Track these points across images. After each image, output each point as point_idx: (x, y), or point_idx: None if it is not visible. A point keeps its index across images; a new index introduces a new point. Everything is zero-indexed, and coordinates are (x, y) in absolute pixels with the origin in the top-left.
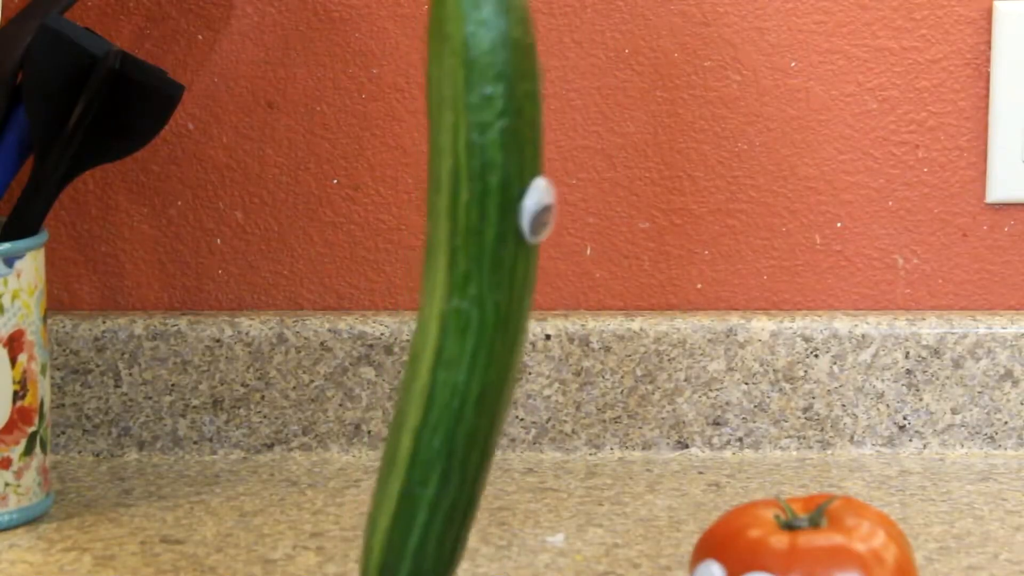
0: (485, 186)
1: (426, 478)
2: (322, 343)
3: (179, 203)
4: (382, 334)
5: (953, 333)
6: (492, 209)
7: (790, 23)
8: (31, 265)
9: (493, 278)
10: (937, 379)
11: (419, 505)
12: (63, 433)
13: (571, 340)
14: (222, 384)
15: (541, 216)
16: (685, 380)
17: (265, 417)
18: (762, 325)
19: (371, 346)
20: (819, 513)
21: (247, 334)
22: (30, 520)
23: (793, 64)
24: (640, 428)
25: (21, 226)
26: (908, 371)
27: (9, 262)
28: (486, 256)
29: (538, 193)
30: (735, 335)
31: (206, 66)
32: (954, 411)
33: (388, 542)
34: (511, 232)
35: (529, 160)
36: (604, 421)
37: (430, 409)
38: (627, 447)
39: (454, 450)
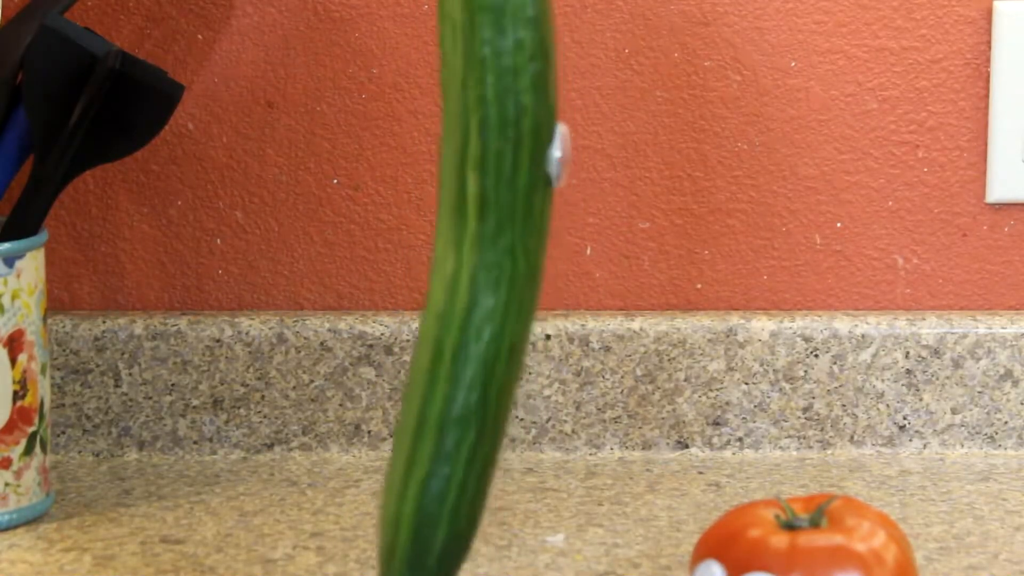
0: (518, 132)
1: (462, 436)
2: (322, 343)
3: (179, 203)
4: (382, 334)
5: (953, 333)
6: (525, 156)
7: (790, 23)
8: (31, 265)
9: (526, 227)
10: (937, 379)
11: (456, 464)
12: (63, 433)
13: (571, 340)
14: (222, 384)
15: (565, 162)
16: (685, 380)
17: (265, 417)
18: (762, 325)
19: (371, 346)
20: (819, 513)
21: (247, 334)
22: (30, 520)
23: (793, 64)
24: (640, 428)
25: (21, 226)
26: (908, 371)
27: (9, 262)
28: (519, 205)
29: (562, 138)
30: (735, 335)
31: (206, 66)
32: (954, 411)
33: (420, 507)
34: (541, 179)
35: (554, 104)
36: (604, 421)
37: (463, 366)
38: (627, 447)
39: (488, 405)
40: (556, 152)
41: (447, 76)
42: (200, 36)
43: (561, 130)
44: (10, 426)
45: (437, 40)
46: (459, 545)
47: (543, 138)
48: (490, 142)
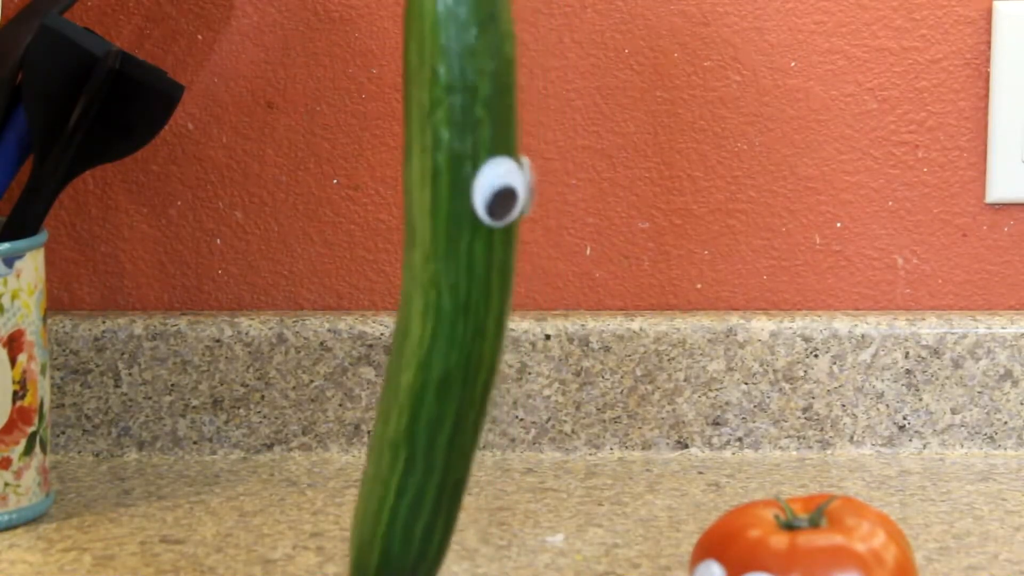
0: (435, 164)
1: (393, 461)
2: (322, 343)
3: (179, 203)
4: (382, 334)
5: (953, 333)
6: (442, 189)
7: (790, 23)
8: (31, 265)
9: (449, 262)
10: (937, 379)
11: (387, 488)
12: (63, 433)
13: (571, 340)
14: (222, 384)
15: (500, 198)
16: (685, 380)
17: (265, 417)
18: (762, 325)
19: (371, 346)
20: (819, 513)
21: (247, 334)
22: (30, 520)
23: (793, 64)
24: (640, 428)
25: (21, 226)
26: (908, 371)
27: (9, 262)
28: (440, 237)
29: (495, 174)
30: (735, 335)
31: (206, 66)
32: (954, 411)
33: (362, 527)
34: (465, 214)
35: (484, 140)
36: (604, 421)
37: (395, 391)
38: (627, 447)
39: (416, 433)
40: (484, 187)
41: (404, 79)
42: (200, 36)
43: (496, 165)
44: (10, 426)
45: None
46: (396, 569)
47: (463, 173)
48: (412, 172)
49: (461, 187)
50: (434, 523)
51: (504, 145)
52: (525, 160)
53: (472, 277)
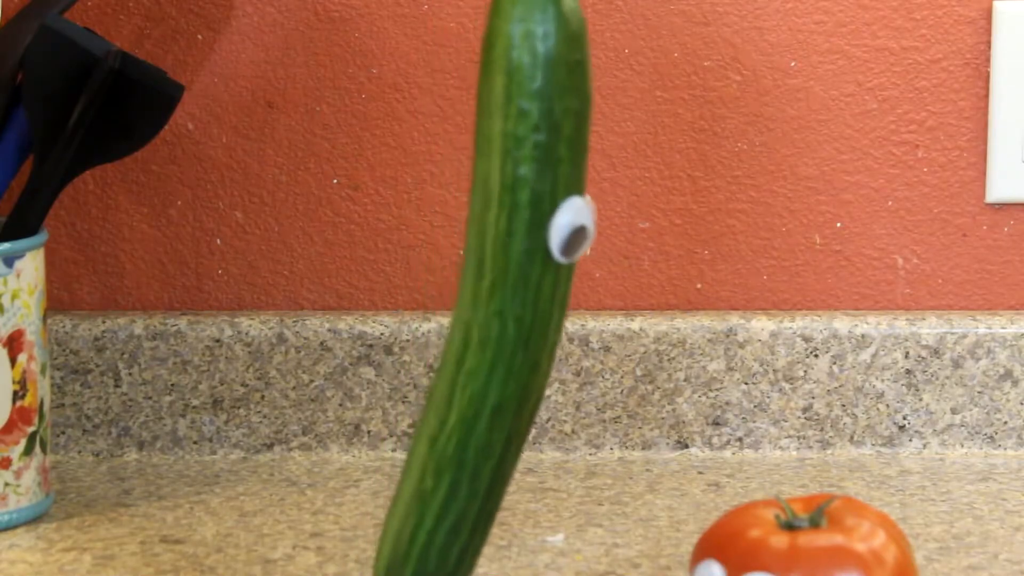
0: (515, 200)
1: (436, 484)
2: (322, 343)
3: (179, 203)
4: (382, 334)
5: (953, 333)
6: (520, 225)
7: (790, 23)
8: (31, 265)
9: (517, 294)
10: (937, 379)
11: (427, 510)
12: (63, 433)
13: (571, 340)
14: (222, 384)
15: (574, 237)
16: (685, 380)
17: (265, 417)
18: (762, 325)
19: (371, 346)
20: (819, 513)
21: (247, 334)
22: (30, 520)
23: (793, 64)
24: (640, 428)
25: (21, 226)
26: (908, 371)
27: (9, 262)
28: (511, 271)
29: (572, 213)
30: (735, 335)
31: (206, 66)
32: (954, 411)
33: (396, 543)
34: (539, 250)
35: (563, 178)
36: (604, 421)
37: (447, 416)
38: (627, 447)
39: (464, 460)
40: (561, 226)
41: (479, 110)
42: (200, 36)
43: (572, 204)
44: (10, 426)
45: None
46: None
47: (543, 210)
48: (491, 204)
49: (538, 224)
50: (468, 547)
51: (579, 184)
52: (588, 198)
53: (536, 311)
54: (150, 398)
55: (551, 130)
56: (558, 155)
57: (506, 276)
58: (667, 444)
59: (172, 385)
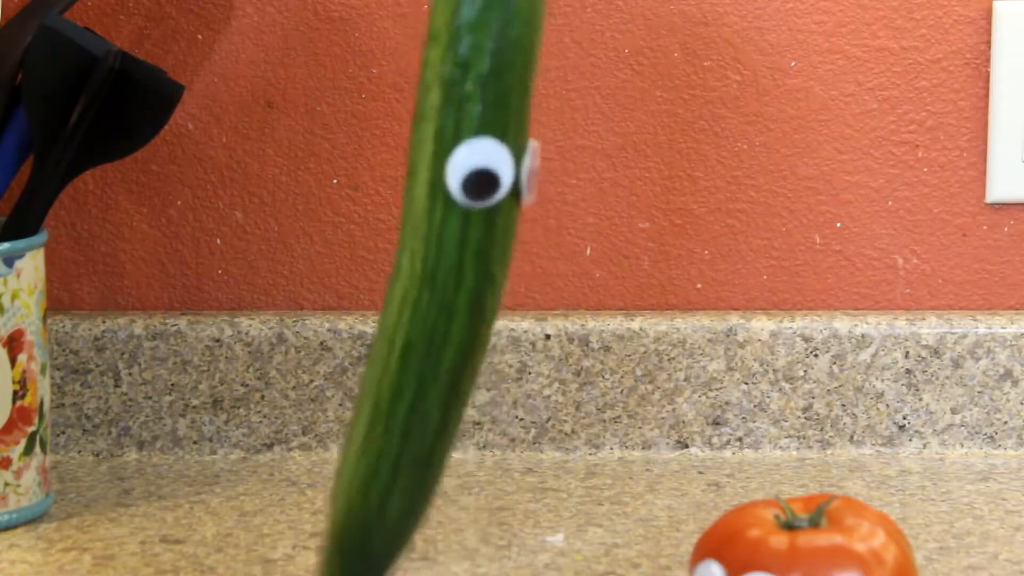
0: (420, 133)
1: (356, 420)
2: (322, 343)
3: (179, 203)
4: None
5: (953, 333)
6: (421, 159)
7: (790, 23)
8: (31, 265)
9: (417, 231)
10: (937, 379)
11: (351, 447)
12: (63, 433)
13: (571, 340)
14: (222, 384)
15: (477, 180)
16: (685, 380)
17: (265, 417)
18: (762, 325)
19: (371, 346)
20: (819, 513)
21: (247, 334)
22: (30, 520)
23: (793, 64)
24: (640, 428)
25: (21, 226)
26: (908, 371)
27: (9, 262)
28: (414, 204)
29: (477, 154)
30: (735, 335)
31: (206, 66)
32: (954, 411)
33: (335, 484)
34: (440, 187)
35: (469, 117)
36: (604, 421)
37: (371, 352)
38: (627, 447)
39: (380, 397)
40: (459, 166)
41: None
42: (200, 36)
43: (477, 145)
44: (10, 426)
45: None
46: (354, 526)
47: (443, 146)
48: (411, 132)
49: (439, 161)
50: (390, 490)
51: (495, 126)
52: (531, 146)
53: (441, 252)
54: (150, 398)
55: (459, 65)
56: (465, 92)
57: (408, 212)
58: (667, 444)
59: (172, 385)
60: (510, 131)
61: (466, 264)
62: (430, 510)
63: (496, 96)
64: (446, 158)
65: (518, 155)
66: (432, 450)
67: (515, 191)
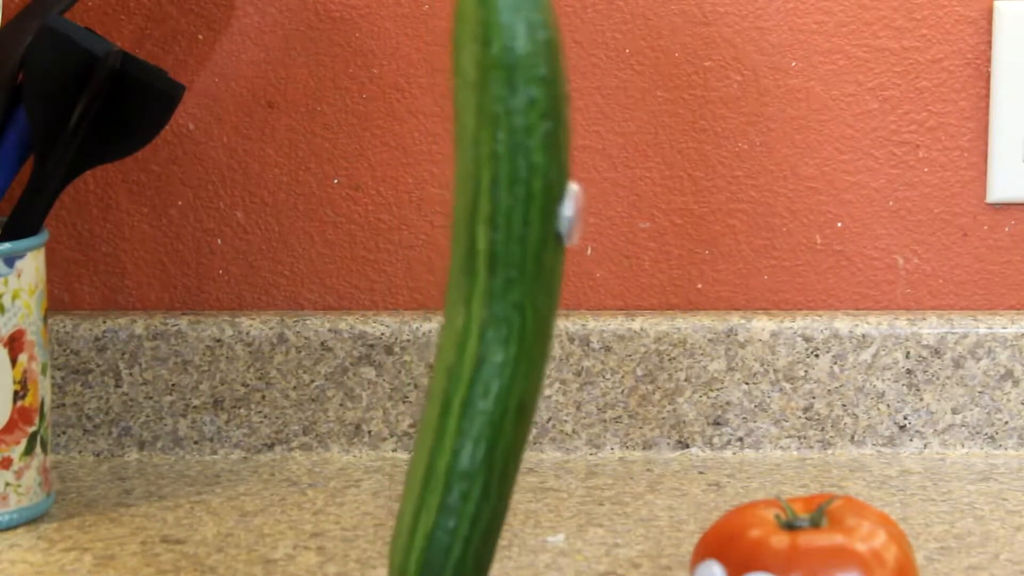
0: (529, 190)
1: (468, 491)
2: (322, 343)
3: (179, 203)
4: (382, 334)
5: (953, 333)
6: (535, 214)
7: (790, 23)
8: (32, 265)
9: (536, 283)
10: (937, 379)
11: (461, 519)
12: (63, 433)
13: (571, 340)
14: (222, 384)
15: (576, 220)
16: (685, 380)
17: (265, 417)
18: (762, 325)
19: (371, 346)
20: (820, 513)
21: (247, 334)
22: (30, 520)
23: (793, 64)
24: (640, 428)
25: (22, 226)
26: (908, 371)
27: (10, 262)
28: (528, 261)
29: (574, 197)
30: (735, 335)
31: (206, 66)
32: (954, 411)
33: (425, 560)
34: (551, 236)
35: (566, 163)
36: (604, 421)
37: (471, 420)
38: (627, 447)
39: (494, 463)
40: (567, 210)
41: (459, 131)
42: (200, 36)
43: (572, 189)
44: (10, 426)
45: (451, 96)
46: None
47: (554, 196)
48: (501, 199)
49: (550, 211)
50: (496, 544)
51: (569, 168)
52: (571, 190)
53: (551, 297)
54: (151, 398)
55: (555, 116)
56: (561, 140)
57: (524, 268)
58: (668, 444)
59: (173, 385)
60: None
61: (557, 303)
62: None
63: (570, 139)
64: (557, 208)
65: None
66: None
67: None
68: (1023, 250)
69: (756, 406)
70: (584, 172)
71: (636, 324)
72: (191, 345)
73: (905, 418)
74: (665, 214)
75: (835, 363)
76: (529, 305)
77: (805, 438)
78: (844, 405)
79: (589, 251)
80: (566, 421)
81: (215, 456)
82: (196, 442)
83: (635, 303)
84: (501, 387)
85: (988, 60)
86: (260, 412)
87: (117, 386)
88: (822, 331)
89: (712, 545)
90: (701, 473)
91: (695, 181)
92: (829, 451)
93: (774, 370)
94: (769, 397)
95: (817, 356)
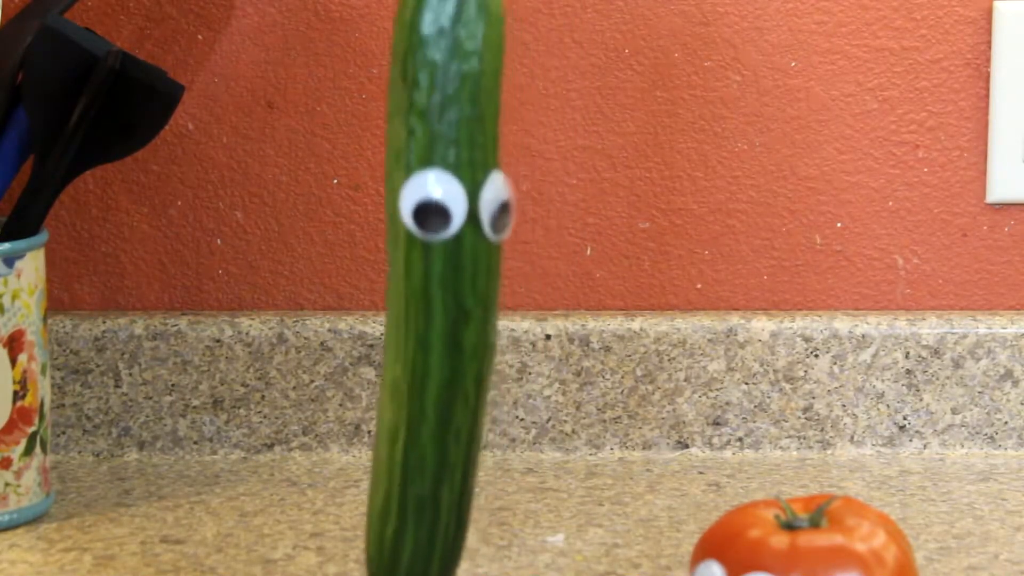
0: (388, 161)
1: (376, 464)
2: (322, 343)
3: (179, 203)
4: (382, 334)
5: (953, 333)
6: (391, 187)
7: (790, 23)
8: (31, 265)
9: (392, 270)
10: (937, 379)
11: (370, 491)
12: (63, 433)
13: (571, 340)
14: (222, 384)
15: (426, 212)
16: (685, 380)
17: (265, 417)
18: (762, 325)
19: (371, 346)
20: (819, 513)
21: (247, 334)
22: (30, 520)
23: (793, 64)
24: (640, 428)
25: (21, 226)
26: (908, 371)
27: (9, 262)
28: (389, 244)
29: (420, 186)
30: (735, 335)
31: (206, 66)
32: (954, 411)
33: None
34: (401, 222)
35: (418, 149)
36: (604, 421)
37: (380, 393)
38: (627, 447)
39: (379, 437)
40: (410, 201)
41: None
42: (200, 36)
43: (422, 179)
44: (10, 426)
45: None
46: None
47: (396, 182)
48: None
49: (396, 196)
50: (401, 532)
51: (443, 158)
52: (493, 178)
53: (409, 286)
54: (150, 398)
55: (409, 97)
56: (411, 124)
57: (389, 251)
58: (667, 444)
59: (172, 385)
60: (462, 163)
61: (433, 297)
62: (459, 548)
63: (446, 128)
64: (400, 190)
65: (474, 188)
66: (435, 489)
67: (476, 224)
68: (1023, 250)
69: (756, 406)
70: (584, 172)
71: (636, 324)
72: (191, 345)
73: (905, 418)
74: (665, 214)
75: (835, 363)
76: (391, 291)
77: (805, 438)
78: (844, 405)
79: (589, 251)
80: (566, 421)
81: (215, 456)
82: (196, 442)
83: (634, 303)
84: (384, 360)
85: (988, 60)
86: (260, 412)
87: (117, 386)
88: (822, 331)
89: (712, 545)
90: (701, 473)
91: (695, 181)
92: (829, 451)
93: (774, 370)
94: (769, 397)
95: (817, 356)
